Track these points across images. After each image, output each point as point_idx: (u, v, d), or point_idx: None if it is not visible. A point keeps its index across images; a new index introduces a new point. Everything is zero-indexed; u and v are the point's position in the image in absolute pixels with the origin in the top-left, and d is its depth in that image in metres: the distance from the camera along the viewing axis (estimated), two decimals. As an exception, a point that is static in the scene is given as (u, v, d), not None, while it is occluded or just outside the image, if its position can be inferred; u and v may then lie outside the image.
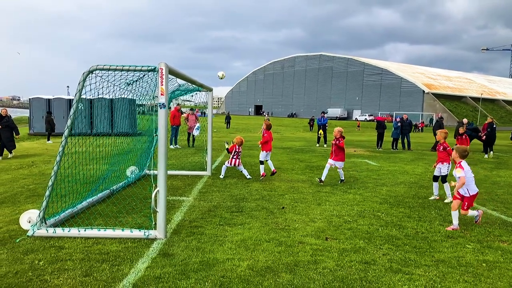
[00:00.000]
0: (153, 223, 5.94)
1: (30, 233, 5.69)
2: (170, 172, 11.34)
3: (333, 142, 10.65)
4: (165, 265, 4.81)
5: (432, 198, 8.96)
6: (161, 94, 5.64)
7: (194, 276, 4.50)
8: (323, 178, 10.50)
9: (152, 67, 5.68)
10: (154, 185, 5.88)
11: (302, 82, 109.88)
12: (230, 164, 11.07)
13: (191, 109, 20.28)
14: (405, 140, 22.73)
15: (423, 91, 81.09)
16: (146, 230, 5.76)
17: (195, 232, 6.08)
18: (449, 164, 8.75)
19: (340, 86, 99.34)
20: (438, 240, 6.05)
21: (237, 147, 11.08)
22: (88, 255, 5.06)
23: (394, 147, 22.44)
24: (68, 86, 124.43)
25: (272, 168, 11.23)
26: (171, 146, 19.29)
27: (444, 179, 8.77)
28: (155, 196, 5.75)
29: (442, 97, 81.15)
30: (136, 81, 6.22)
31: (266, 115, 61.17)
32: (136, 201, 7.80)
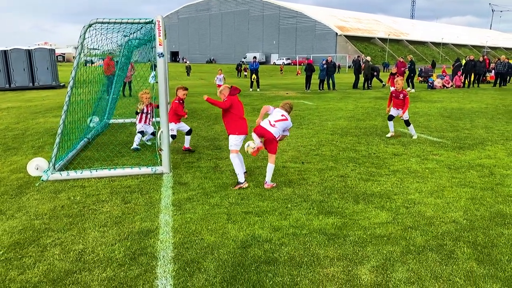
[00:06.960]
0: (159, 159, 6.75)
1: (44, 178, 6.22)
2: (127, 120, 11.84)
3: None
4: (186, 190, 5.75)
5: (388, 135, 9.53)
6: (160, 45, 6.27)
7: (216, 196, 5.52)
8: None
9: (150, 20, 6.24)
10: (158, 127, 6.64)
11: (219, 27, 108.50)
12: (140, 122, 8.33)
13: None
14: (330, 81, 24.64)
15: (336, 34, 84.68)
16: (153, 166, 6.56)
17: (193, 166, 7.01)
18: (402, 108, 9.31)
19: (257, 30, 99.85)
20: (388, 157, 7.61)
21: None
22: (114, 190, 5.81)
23: (321, 88, 24.28)
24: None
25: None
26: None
27: (407, 122, 9.28)
28: (160, 136, 6.54)
29: (353, 39, 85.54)
30: (134, 33, 6.72)
31: (187, 62, 60.45)
32: (119, 146, 8.41)
